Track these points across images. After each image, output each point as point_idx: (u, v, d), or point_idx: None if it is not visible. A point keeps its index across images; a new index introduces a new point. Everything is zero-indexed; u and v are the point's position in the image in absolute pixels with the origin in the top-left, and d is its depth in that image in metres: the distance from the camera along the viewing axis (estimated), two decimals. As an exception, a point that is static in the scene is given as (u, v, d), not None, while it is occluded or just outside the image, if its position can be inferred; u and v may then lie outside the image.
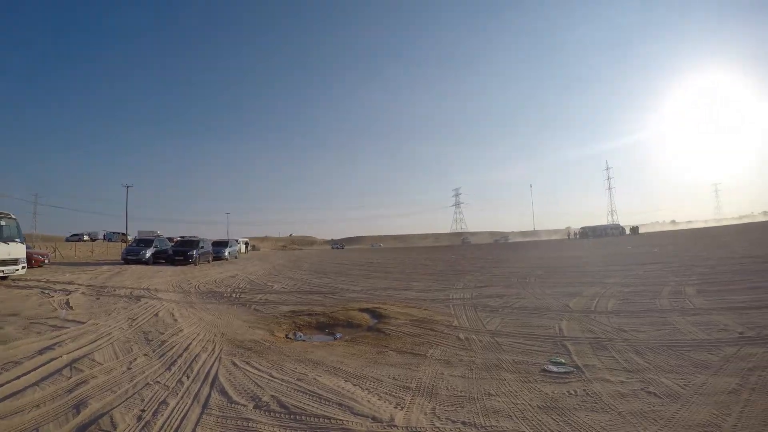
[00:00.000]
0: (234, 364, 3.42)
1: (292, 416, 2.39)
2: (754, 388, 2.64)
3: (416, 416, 2.40)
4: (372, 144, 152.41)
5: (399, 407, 2.54)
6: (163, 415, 2.34)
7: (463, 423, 2.30)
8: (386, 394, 2.77)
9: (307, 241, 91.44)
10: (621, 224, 59.47)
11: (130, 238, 32.95)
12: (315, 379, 3.04)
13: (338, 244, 70.32)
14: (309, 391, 2.80)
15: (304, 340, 4.48)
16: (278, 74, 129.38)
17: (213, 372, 3.18)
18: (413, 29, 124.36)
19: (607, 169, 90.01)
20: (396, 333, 4.54)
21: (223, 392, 2.78)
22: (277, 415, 2.42)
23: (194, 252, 16.56)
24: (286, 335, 4.65)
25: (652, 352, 3.60)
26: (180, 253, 16.40)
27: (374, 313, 5.71)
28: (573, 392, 2.76)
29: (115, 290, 7.98)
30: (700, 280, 7.59)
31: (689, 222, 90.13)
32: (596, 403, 2.57)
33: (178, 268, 14.65)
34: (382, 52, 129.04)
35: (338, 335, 4.63)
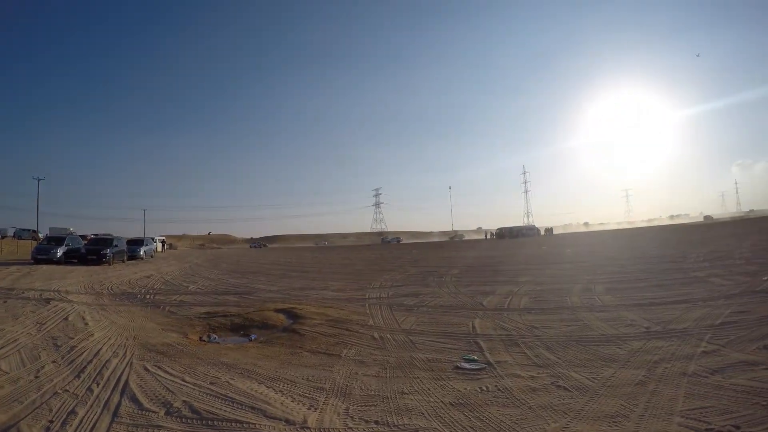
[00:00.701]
0: (146, 369, 4.68)
1: (203, 422, 3.28)
2: (660, 379, 3.85)
3: (329, 417, 3.31)
4: (294, 142, 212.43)
5: (312, 409, 3.51)
6: (71, 425, 3.20)
7: (376, 422, 3.20)
8: (300, 395, 3.84)
9: (227, 240, 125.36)
10: (536, 225, 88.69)
11: (41, 235, 46.21)
12: (228, 382, 4.22)
13: (257, 243, 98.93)
14: (221, 395, 3.86)
15: (218, 343, 6.20)
16: (199, 68, 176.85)
17: (124, 378, 4.34)
18: (345, 27, 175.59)
19: (524, 173, 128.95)
20: (311, 333, 6.24)
21: (134, 399, 3.77)
22: (189, 420, 3.30)
23: (108, 251, 22.60)
24: (200, 338, 6.46)
25: (562, 347, 5.07)
26: (93, 252, 22.33)
27: (290, 314, 7.68)
28: (485, 388, 3.84)
29: (23, 292, 11.00)
30: (610, 278, 11.21)
31: (601, 224, 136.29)
32: (507, 398, 3.60)
33: (91, 267, 20.06)
34: (308, 49, 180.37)
35: (253, 337, 6.44)
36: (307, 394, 3.90)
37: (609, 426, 3.09)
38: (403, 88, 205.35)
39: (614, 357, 4.70)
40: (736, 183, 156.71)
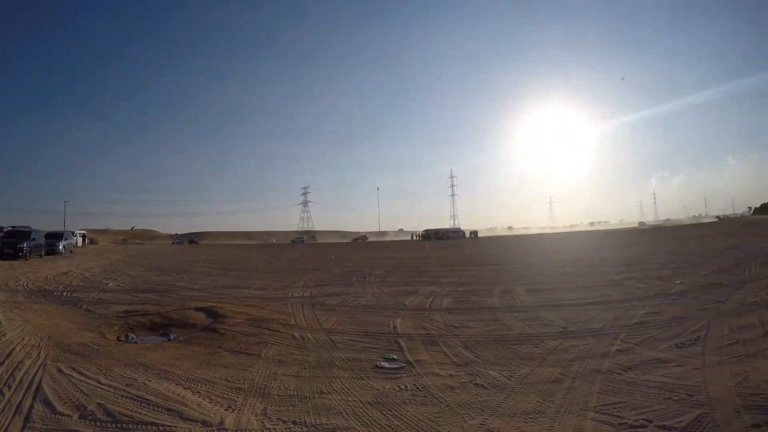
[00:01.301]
0: (60, 370, 5.18)
1: (118, 425, 3.71)
2: (575, 376, 4.69)
3: (247, 418, 3.83)
4: (221, 137, 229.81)
5: (230, 409, 4.02)
6: (-20, 432, 3.72)
7: (294, 422, 3.72)
8: (218, 396, 4.38)
9: (150, 236, 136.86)
10: (462, 228, 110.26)
11: None
12: (144, 383, 4.72)
13: (179, 240, 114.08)
14: (137, 396, 4.35)
15: (136, 342, 6.90)
16: (124, 56, 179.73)
17: (37, 381, 4.83)
18: (277, 21, 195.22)
19: (452, 177, 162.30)
20: (231, 333, 7.09)
21: (47, 402, 4.20)
22: (103, 424, 3.74)
23: (25, 245, 25.64)
24: (118, 337, 7.20)
25: (481, 346, 5.99)
26: (9, 245, 25.47)
27: (210, 312, 8.72)
28: (403, 387, 4.53)
29: (-69, 290, 12.04)
30: (531, 280, 13.14)
31: (525, 228, 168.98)
32: (425, 396, 4.25)
33: (7, 262, 22.80)
34: (237, 44, 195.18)
35: (172, 336, 7.22)
36: (225, 395, 4.38)
37: (525, 422, 3.59)
38: (333, 88, 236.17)
39: (531, 355, 5.46)
40: (654, 194, 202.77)
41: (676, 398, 3.99)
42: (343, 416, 3.81)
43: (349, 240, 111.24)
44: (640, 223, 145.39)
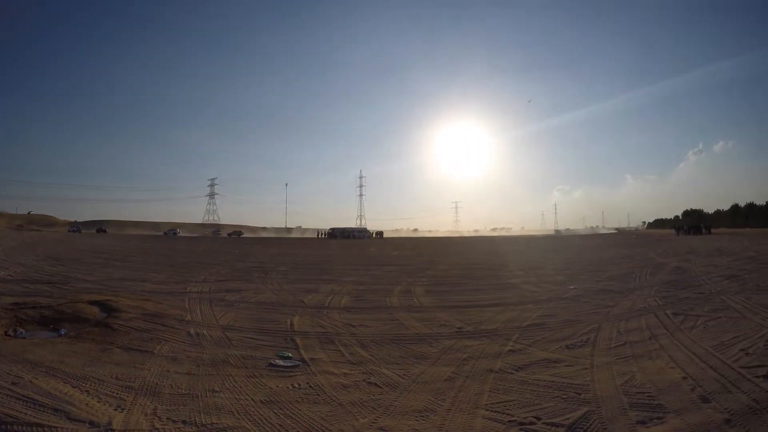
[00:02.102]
0: None
1: (2, 427, 3.61)
2: (468, 375, 4.80)
3: (136, 418, 3.76)
4: (129, 123, 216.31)
5: (119, 409, 3.94)
6: None
7: (184, 422, 3.68)
8: (107, 395, 4.27)
9: (48, 222, 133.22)
10: (368, 228, 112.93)
11: None
12: (31, 381, 4.57)
13: (76, 227, 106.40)
14: (23, 396, 4.19)
15: (24, 338, 6.63)
16: (30, 39, 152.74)
17: None
18: (191, 12, 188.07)
19: (361, 177, 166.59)
20: (125, 328, 6.90)
21: None
22: None
23: None
24: (6, 332, 6.89)
25: (376, 345, 6.05)
26: None
27: (105, 306, 8.38)
28: (297, 385, 4.56)
29: None
30: (430, 281, 13.55)
31: (430, 231, 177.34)
32: (318, 395, 4.31)
33: None
34: (154, 30, 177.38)
35: (63, 331, 6.93)
36: (114, 394, 4.26)
37: (416, 420, 3.63)
38: (245, 81, 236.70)
39: (426, 355, 5.54)
40: (555, 205, 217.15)
41: (564, 396, 4.14)
42: (234, 415, 3.80)
43: (247, 235, 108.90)
44: (557, 231, 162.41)
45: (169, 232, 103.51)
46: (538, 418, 3.65)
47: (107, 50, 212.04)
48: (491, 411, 3.82)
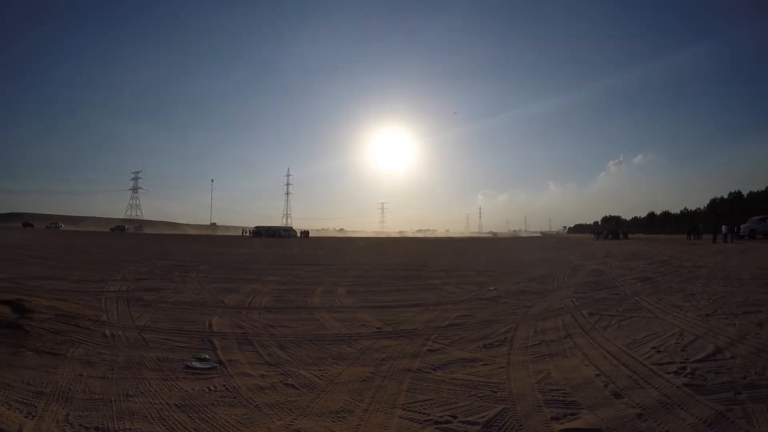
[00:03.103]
0: None
1: None
2: (386, 375, 4.84)
3: (47, 425, 3.62)
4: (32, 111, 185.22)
5: (30, 416, 3.77)
6: None
7: (96, 428, 3.59)
8: (17, 401, 4.07)
9: None
10: (293, 227, 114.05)
11: None
12: None
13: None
14: None
15: None
16: None
17: None
18: None
19: (288, 175, 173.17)
20: (37, 330, 6.39)
21: None
22: None
23: None
24: None
25: (295, 346, 6.05)
26: None
27: (17, 307, 7.67)
28: (213, 388, 4.50)
29: None
30: (353, 281, 13.68)
31: (356, 231, 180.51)
32: (235, 397, 4.26)
33: None
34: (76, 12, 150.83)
35: None
36: (25, 400, 4.06)
37: (333, 421, 3.62)
38: (169, 68, 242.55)
39: (344, 355, 5.55)
40: (480, 208, 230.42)
41: (481, 395, 4.21)
42: (148, 420, 3.73)
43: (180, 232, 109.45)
44: (491, 233, 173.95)
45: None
46: (455, 417, 3.70)
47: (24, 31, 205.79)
48: (408, 410, 3.85)
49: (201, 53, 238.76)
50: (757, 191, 76.10)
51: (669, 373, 4.85)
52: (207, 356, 5.45)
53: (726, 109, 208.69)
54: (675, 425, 3.60)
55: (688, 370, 4.94)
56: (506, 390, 4.34)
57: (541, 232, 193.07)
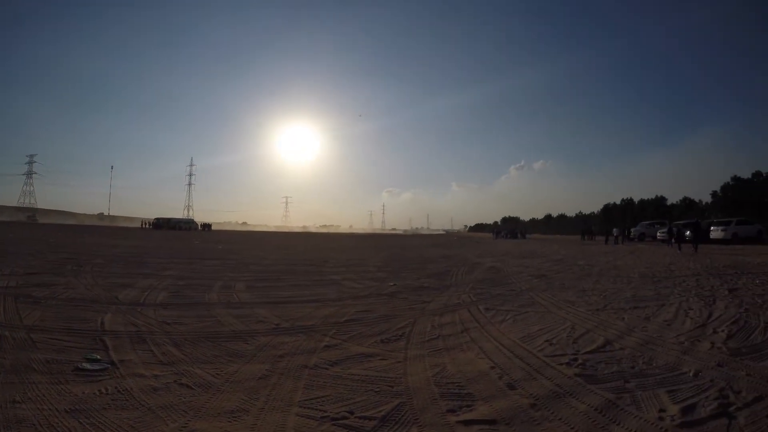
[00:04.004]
0: None
1: None
2: (282, 372, 4.80)
3: None
4: None
5: None
6: None
7: None
8: None
9: None
10: (195, 220, 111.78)
11: None
12: None
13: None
14: None
15: None
16: None
17: None
18: None
19: (191, 165, 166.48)
20: None
21: None
22: None
23: None
24: None
25: (190, 343, 5.88)
26: None
27: None
28: (104, 390, 4.27)
29: None
30: (253, 276, 13.56)
31: (259, 225, 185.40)
32: (127, 400, 4.07)
33: None
34: None
35: None
36: None
37: (228, 421, 3.53)
38: (70, 48, 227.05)
39: (241, 352, 5.44)
40: (383, 205, 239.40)
41: (377, 390, 4.23)
42: (36, 428, 3.49)
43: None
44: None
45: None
46: (351, 413, 3.70)
47: None
48: (305, 408, 3.81)
49: (104, 31, 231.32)
50: (647, 199, 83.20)
51: (561, 364, 5.08)
52: (98, 357, 5.20)
53: (622, 122, 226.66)
54: (567, 413, 3.76)
55: (580, 361, 5.21)
56: (403, 384, 4.39)
57: (445, 231, 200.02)
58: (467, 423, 3.57)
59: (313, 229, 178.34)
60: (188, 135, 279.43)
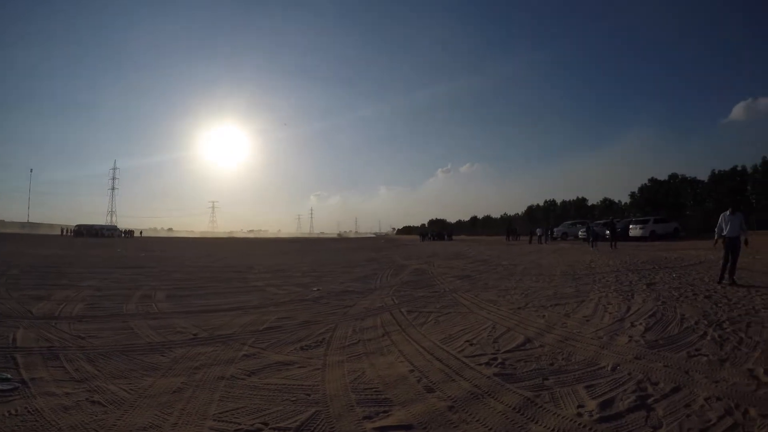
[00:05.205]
0: None
1: None
2: (198, 385, 4.67)
3: None
4: None
5: None
6: None
7: None
8: None
9: None
10: (119, 226, 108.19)
11: None
12: None
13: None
14: None
15: None
16: None
17: None
18: None
19: (114, 169, 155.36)
20: None
21: None
22: None
23: None
24: None
25: (104, 358, 5.65)
26: None
27: None
28: (14, 412, 4.05)
29: None
30: (174, 285, 13.14)
31: (186, 231, 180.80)
32: (37, 421, 3.87)
33: None
34: None
35: None
36: None
37: None
38: None
39: (157, 365, 5.26)
40: (311, 209, 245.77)
41: (293, 399, 4.18)
42: None
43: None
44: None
45: None
46: (266, 424, 3.63)
47: None
48: (219, 421, 3.71)
49: (15, 23, 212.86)
50: (569, 200, 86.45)
51: (480, 364, 5.16)
52: (8, 375, 4.93)
53: (547, 126, 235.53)
54: (485, 414, 3.81)
55: (499, 360, 5.31)
56: (320, 392, 4.35)
57: (375, 234, 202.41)
58: (383, 429, 3.56)
59: (240, 235, 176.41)
60: (112, 134, 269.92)
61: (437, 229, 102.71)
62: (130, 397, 4.27)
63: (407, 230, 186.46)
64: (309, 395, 4.26)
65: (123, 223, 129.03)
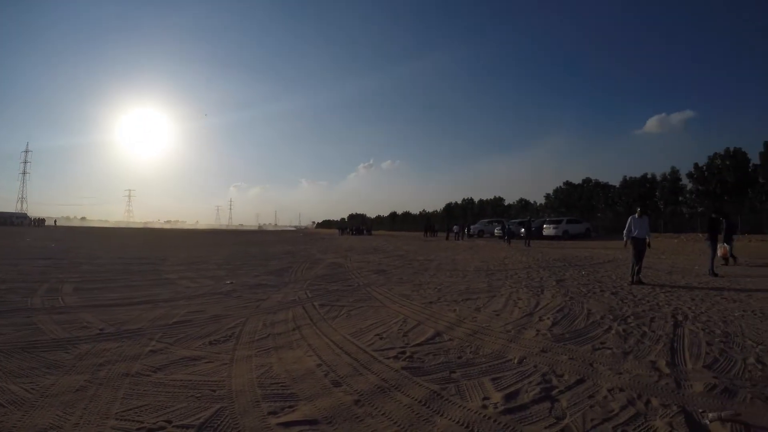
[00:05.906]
0: None
1: None
2: (102, 382, 4.53)
3: None
4: None
5: None
6: None
7: None
8: None
9: None
10: (29, 214, 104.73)
11: None
12: None
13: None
14: None
15: None
16: None
17: None
18: None
19: (27, 151, 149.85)
20: None
21: None
22: None
23: None
24: None
25: (5, 356, 5.36)
26: None
27: None
28: None
29: None
30: (83, 277, 12.68)
31: (101, 221, 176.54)
32: None
33: None
34: None
35: None
36: None
37: None
38: None
39: (60, 363, 5.06)
40: (231, 201, 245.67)
41: (198, 395, 4.14)
42: None
43: None
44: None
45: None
46: (169, 422, 3.59)
47: None
48: (121, 420, 3.63)
49: None
50: (487, 199, 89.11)
51: (389, 358, 5.28)
52: None
53: (468, 128, 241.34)
54: (391, 408, 3.90)
55: (408, 354, 5.44)
56: (226, 388, 4.34)
57: (294, 227, 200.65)
58: (287, 425, 3.59)
59: (156, 225, 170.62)
60: (25, 109, 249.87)
61: (356, 224, 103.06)
62: (30, 397, 4.10)
63: (327, 224, 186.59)
64: (215, 391, 4.24)
65: (34, 211, 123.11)
